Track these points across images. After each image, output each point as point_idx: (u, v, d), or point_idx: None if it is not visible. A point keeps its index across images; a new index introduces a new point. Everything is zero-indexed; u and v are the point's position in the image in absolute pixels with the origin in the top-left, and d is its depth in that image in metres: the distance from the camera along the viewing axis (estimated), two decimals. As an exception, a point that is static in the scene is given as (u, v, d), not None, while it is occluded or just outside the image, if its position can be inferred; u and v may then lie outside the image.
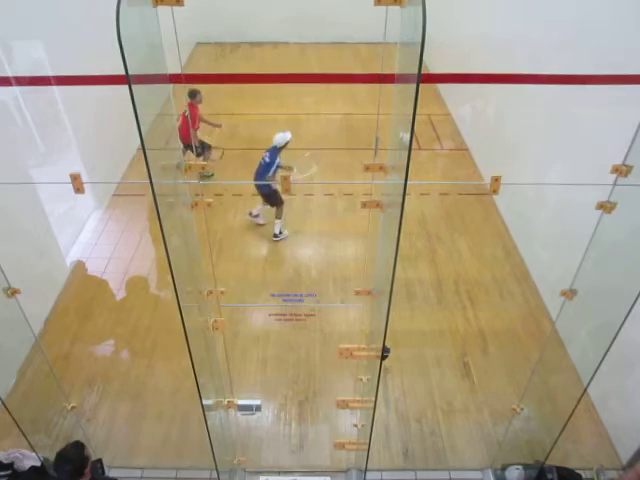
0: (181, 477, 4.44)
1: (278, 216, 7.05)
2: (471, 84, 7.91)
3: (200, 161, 7.60)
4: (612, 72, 3.15)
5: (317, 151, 8.79)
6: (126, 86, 1.78)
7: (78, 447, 3.34)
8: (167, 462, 4.52)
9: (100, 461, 3.80)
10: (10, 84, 5.29)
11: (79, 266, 6.51)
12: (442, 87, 10.93)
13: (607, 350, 3.10)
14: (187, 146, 7.37)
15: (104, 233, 7.10)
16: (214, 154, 8.51)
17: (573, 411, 3.53)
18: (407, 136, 1.87)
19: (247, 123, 9.57)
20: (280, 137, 6.82)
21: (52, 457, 4.30)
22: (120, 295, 6.16)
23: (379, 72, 2.55)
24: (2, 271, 3.23)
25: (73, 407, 4.29)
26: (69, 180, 2.43)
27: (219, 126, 8.60)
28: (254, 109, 9.72)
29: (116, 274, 6.36)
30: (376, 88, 2.63)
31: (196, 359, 2.84)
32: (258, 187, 7.06)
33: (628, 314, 2.92)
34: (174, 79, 2.41)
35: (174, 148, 2.59)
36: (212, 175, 7.83)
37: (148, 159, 2.00)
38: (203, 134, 8.48)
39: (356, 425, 4.05)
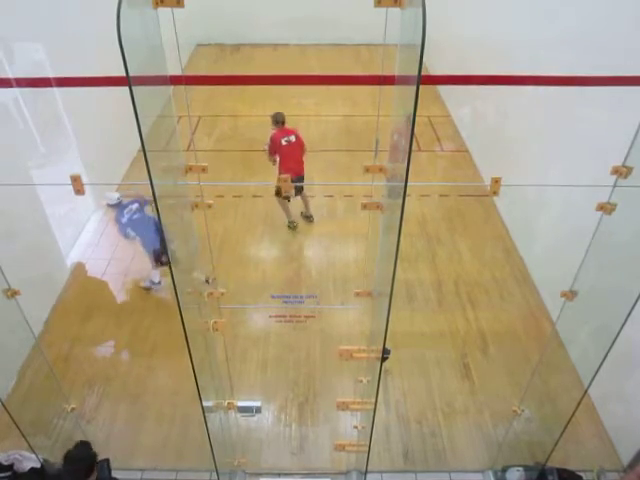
0: (181, 479, 4.44)
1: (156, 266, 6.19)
2: (471, 85, 7.91)
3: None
4: (612, 73, 3.15)
5: (318, 152, 8.79)
6: (126, 87, 1.78)
7: (85, 446, 3.34)
8: (167, 464, 4.52)
9: (107, 461, 3.78)
10: (11, 85, 5.29)
11: (79, 267, 6.51)
12: (442, 88, 10.93)
13: (608, 351, 3.10)
14: (299, 179, 6.89)
15: (104, 234, 7.09)
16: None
17: (574, 412, 3.53)
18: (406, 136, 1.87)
19: (247, 124, 9.57)
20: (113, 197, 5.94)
21: (52, 458, 4.31)
22: (120, 296, 6.16)
23: (379, 74, 2.55)
24: (2, 272, 3.23)
25: (73, 408, 4.28)
26: (69, 181, 2.44)
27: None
28: (254, 111, 9.72)
29: (116, 275, 6.36)
30: (376, 90, 2.63)
31: (196, 360, 2.84)
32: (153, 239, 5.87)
33: (629, 315, 2.92)
34: (174, 80, 2.41)
35: (174, 150, 2.59)
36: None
37: (148, 160, 2.00)
38: (202, 134, 8.49)
39: (356, 427, 4.04)
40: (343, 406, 3.49)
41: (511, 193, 5.15)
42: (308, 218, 7.42)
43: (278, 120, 6.70)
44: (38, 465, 4.00)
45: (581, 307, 3.42)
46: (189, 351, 2.73)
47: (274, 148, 6.75)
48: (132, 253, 6.67)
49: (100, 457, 3.92)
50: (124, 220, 5.85)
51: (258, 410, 4.17)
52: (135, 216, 5.86)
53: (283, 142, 6.69)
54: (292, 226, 7.22)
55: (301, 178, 6.94)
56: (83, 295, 6.19)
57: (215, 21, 12.68)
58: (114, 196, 5.95)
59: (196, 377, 2.90)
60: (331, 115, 10.09)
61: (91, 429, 4.71)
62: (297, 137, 6.78)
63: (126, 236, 5.86)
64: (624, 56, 4.28)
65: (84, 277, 6.44)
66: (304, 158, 6.93)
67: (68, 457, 3.28)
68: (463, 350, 5.53)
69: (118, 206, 6.00)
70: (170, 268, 2.34)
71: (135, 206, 5.89)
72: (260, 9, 11.99)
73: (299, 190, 7.13)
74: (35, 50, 5.73)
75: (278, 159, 6.78)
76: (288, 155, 6.76)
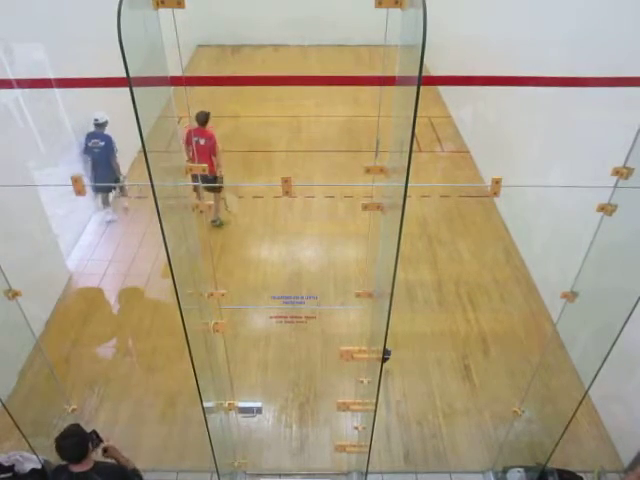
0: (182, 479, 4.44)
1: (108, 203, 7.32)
2: (472, 86, 7.91)
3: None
4: (613, 74, 3.16)
5: (318, 153, 8.80)
6: (127, 88, 1.78)
7: (75, 426, 3.33)
8: (168, 464, 4.51)
9: (94, 432, 3.70)
10: (11, 86, 5.30)
11: (80, 268, 6.51)
12: (443, 89, 10.94)
13: (608, 352, 3.10)
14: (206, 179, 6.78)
15: (105, 235, 7.10)
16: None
17: (574, 413, 3.52)
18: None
19: (248, 125, 9.58)
20: (101, 115, 6.70)
21: (53, 459, 4.31)
22: (121, 297, 6.16)
23: (380, 74, 2.55)
24: (3, 273, 3.24)
25: (74, 409, 4.28)
26: (70, 182, 2.44)
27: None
28: (255, 111, 9.74)
29: (117, 276, 6.37)
30: (377, 90, 2.63)
31: (197, 361, 2.84)
32: (103, 179, 6.95)
33: (629, 316, 2.91)
34: (175, 81, 2.41)
35: (175, 150, 2.59)
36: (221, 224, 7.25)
37: (149, 161, 2.00)
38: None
39: (357, 427, 4.04)
40: (344, 407, 3.49)
41: (512, 194, 5.17)
42: (214, 222, 7.21)
43: (199, 119, 6.67)
44: (39, 466, 3.99)
45: (582, 308, 3.42)
46: (190, 352, 2.73)
47: (186, 142, 6.69)
48: (133, 254, 6.69)
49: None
50: (89, 143, 6.73)
51: (259, 411, 4.16)
52: (96, 149, 6.75)
53: (193, 140, 6.63)
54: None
55: (210, 178, 6.80)
56: (84, 296, 6.19)
57: (216, 22, 12.69)
58: (103, 116, 6.78)
59: (197, 378, 2.90)
60: (332, 116, 10.10)
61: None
62: (209, 140, 6.72)
63: (83, 150, 6.80)
64: (625, 57, 4.29)
65: (85, 278, 6.44)
66: (214, 159, 6.85)
67: (59, 436, 3.22)
68: (464, 351, 5.53)
69: (100, 127, 6.80)
70: (171, 269, 2.34)
71: (101, 144, 6.72)
72: (261, 10, 12.01)
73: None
74: (36, 51, 5.74)
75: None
76: (198, 153, 6.76)
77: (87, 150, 6.78)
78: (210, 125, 6.82)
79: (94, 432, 3.58)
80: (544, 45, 5.85)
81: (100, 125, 6.77)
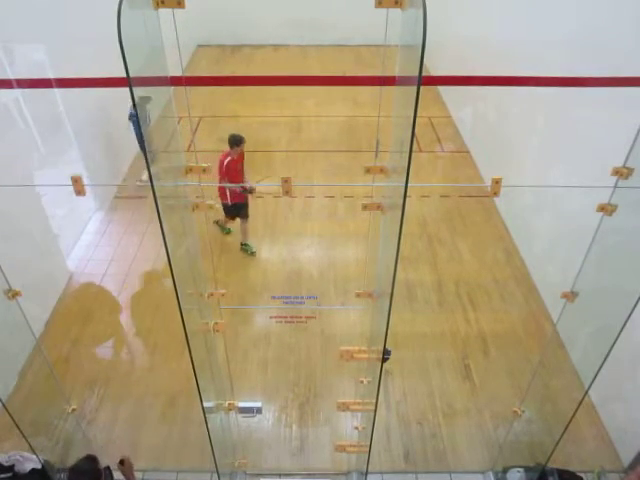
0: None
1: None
2: (472, 86, 7.91)
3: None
4: (613, 74, 3.16)
5: (318, 153, 8.80)
6: (127, 88, 1.78)
7: (90, 460, 3.36)
8: (168, 464, 4.51)
9: (108, 468, 3.78)
10: (11, 86, 5.30)
11: (80, 268, 6.51)
12: (443, 89, 10.94)
13: (608, 352, 3.10)
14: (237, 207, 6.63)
15: (105, 235, 7.10)
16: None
17: (574, 413, 3.52)
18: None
19: (248, 125, 9.57)
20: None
21: (53, 459, 4.32)
22: (121, 297, 6.16)
23: (380, 74, 2.55)
24: (3, 273, 3.24)
25: (74, 409, 4.29)
26: (70, 182, 2.44)
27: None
28: (255, 111, 9.74)
29: (117, 276, 6.36)
30: (377, 90, 2.63)
31: (197, 361, 2.84)
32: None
33: (629, 316, 2.91)
34: (175, 81, 2.41)
35: (175, 150, 2.59)
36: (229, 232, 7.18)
37: (149, 161, 2.00)
38: (203, 134, 8.45)
39: (357, 427, 4.04)
40: (343, 407, 3.49)
41: (512, 194, 5.17)
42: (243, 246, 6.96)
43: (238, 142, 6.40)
44: (39, 466, 3.99)
45: (582, 308, 3.42)
46: (190, 352, 2.73)
47: None
48: (133, 253, 6.69)
49: (101, 459, 3.92)
50: (132, 112, 7.19)
51: (259, 411, 4.15)
52: (134, 118, 7.14)
53: None
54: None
55: (224, 204, 6.60)
56: (84, 296, 6.20)
57: (216, 22, 12.70)
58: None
59: (197, 378, 2.90)
60: (332, 116, 10.10)
61: (92, 430, 4.71)
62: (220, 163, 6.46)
63: (129, 117, 7.44)
64: (624, 57, 4.29)
65: (85, 278, 6.44)
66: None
67: (73, 470, 3.29)
68: (464, 351, 5.52)
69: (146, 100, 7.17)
70: (171, 269, 2.34)
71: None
72: (261, 10, 12.01)
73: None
74: (36, 51, 5.74)
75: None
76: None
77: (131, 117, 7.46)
78: (228, 150, 6.49)
79: (108, 468, 3.62)
80: (544, 45, 5.85)
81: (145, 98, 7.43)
